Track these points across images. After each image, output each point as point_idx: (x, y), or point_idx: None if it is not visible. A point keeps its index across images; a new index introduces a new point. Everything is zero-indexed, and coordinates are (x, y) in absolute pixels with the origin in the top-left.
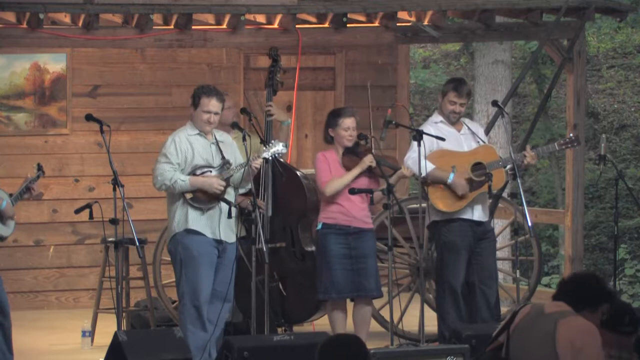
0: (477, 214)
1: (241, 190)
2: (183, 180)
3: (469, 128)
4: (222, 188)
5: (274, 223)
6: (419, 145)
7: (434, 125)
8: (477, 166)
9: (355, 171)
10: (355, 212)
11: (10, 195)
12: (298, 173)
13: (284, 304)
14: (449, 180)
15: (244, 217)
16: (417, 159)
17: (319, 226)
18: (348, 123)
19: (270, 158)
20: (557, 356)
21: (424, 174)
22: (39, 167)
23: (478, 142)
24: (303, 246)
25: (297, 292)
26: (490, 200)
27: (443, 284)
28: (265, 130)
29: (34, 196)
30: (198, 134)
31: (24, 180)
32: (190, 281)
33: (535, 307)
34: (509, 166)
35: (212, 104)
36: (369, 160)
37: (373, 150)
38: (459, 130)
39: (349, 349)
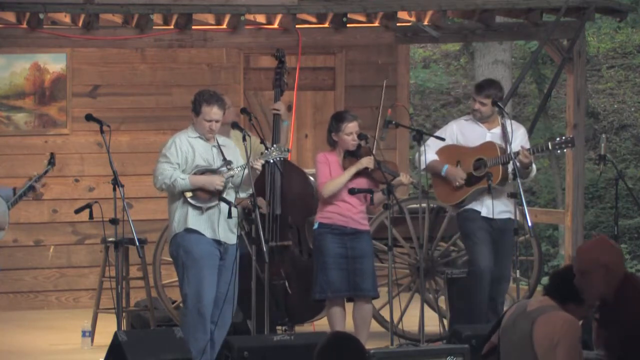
0: (485, 210)
1: (241, 194)
2: (183, 178)
3: (503, 129)
4: (223, 185)
5: (281, 222)
6: (419, 145)
7: (459, 121)
8: (479, 162)
9: (351, 171)
10: (351, 213)
11: (14, 190)
12: (306, 172)
13: (288, 303)
14: (443, 172)
15: (246, 215)
16: (423, 152)
17: (316, 226)
18: (351, 128)
19: (273, 161)
20: (535, 356)
21: (424, 166)
22: (51, 159)
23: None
24: (309, 245)
25: (303, 291)
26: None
27: (471, 274)
28: (273, 130)
29: (37, 195)
30: (199, 137)
31: (28, 179)
32: (192, 284)
33: (519, 306)
34: (510, 166)
35: (214, 112)
36: (366, 162)
37: (374, 152)
38: (489, 129)
39: (346, 349)
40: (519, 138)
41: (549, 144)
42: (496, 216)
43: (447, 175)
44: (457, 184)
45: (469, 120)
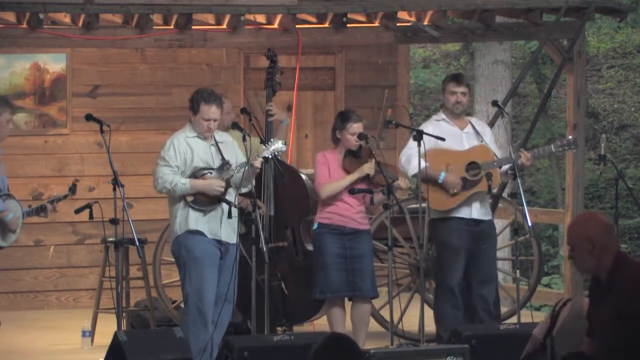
0: (475, 212)
1: (243, 190)
2: (183, 183)
3: (473, 127)
4: (222, 189)
5: (276, 222)
6: (419, 145)
7: (436, 123)
8: (472, 165)
9: (353, 177)
10: (351, 213)
11: (30, 206)
12: (301, 173)
13: (286, 303)
14: (440, 179)
15: (244, 216)
16: (410, 156)
17: (315, 226)
18: (355, 128)
19: (271, 157)
20: None
21: (415, 172)
22: (73, 187)
23: (481, 141)
24: (305, 245)
25: (299, 291)
26: (490, 200)
27: (440, 283)
28: (265, 130)
29: (49, 214)
30: (197, 136)
31: (49, 197)
32: (194, 283)
33: (574, 308)
34: (507, 166)
35: (212, 111)
36: (368, 168)
37: (375, 155)
38: (462, 129)
39: (342, 350)
40: (488, 136)
41: (552, 146)
42: (480, 217)
43: (445, 183)
44: (453, 191)
45: (440, 120)
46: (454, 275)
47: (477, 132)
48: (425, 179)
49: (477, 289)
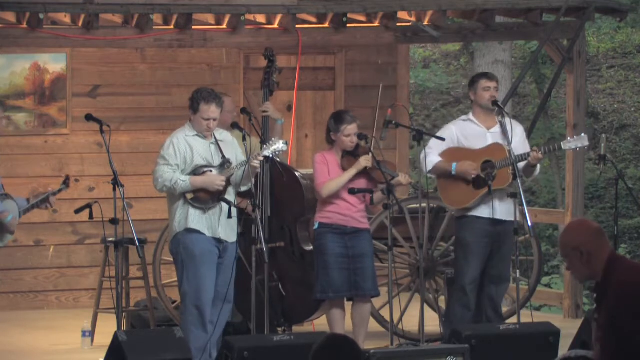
0: (497, 212)
1: (243, 189)
2: (183, 180)
3: (502, 128)
4: (223, 184)
5: (273, 223)
6: (419, 145)
7: (461, 123)
8: (487, 164)
9: (351, 172)
10: (351, 212)
11: (28, 200)
12: (296, 173)
13: (284, 304)
14: (453, 171)
15: (244, 216)
16: (427, 154)
17: (316, 225)
18: (350, 130)
19: (271, 156)
20: None
21: (429, 168)
22: (66, 181)
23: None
24: (302, 245)
25: (297, 292)
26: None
27: (454, 281)
28: (262, 128)
29: (49, 208)
30: (197, 134)
31: (46, 192)
32: (191, 281)
33: None
34: (524, 163)
35: (212, 111)
36: (365, 161)
37: (372, 149)
38: (489, 129)
39: (342, 351)
40: (518, 136)
41: (562, 144)
42: (501, 217)
43: (458, 172)
44: (472, 176)
45: (467, 121)
46: (467, 273)
47: (504, 133)
48: (441, 174)
49: (488, 289)
